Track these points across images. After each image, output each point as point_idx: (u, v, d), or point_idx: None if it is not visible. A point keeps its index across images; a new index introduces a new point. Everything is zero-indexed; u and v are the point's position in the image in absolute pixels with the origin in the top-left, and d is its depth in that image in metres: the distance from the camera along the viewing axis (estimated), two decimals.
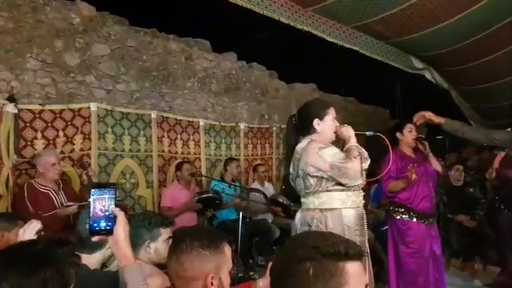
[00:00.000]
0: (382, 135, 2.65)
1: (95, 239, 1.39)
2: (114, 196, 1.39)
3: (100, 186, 1.40)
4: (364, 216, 2.56)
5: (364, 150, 2.50)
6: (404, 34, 5.09)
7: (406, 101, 8.55)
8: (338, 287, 0.99)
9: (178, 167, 4.98)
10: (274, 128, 6.89)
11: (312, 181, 2.48)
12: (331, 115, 2.60)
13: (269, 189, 5.83)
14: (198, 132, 5.82)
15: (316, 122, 2.57)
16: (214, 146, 6.07)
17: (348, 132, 2.56)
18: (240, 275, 4.25)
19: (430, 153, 3.75)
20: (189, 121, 5.73)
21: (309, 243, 1.02)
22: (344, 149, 2.52)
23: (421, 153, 3.77)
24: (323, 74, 7.64)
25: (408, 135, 3.72)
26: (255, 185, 5.73)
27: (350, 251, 1.02)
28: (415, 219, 3.61)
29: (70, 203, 3.46)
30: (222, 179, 5.31)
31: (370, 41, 5.36)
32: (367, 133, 2.71)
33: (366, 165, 2.45)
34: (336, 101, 8.21)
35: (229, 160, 5.57)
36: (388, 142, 2.64)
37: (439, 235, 3.78)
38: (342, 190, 2.47)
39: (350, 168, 2.38)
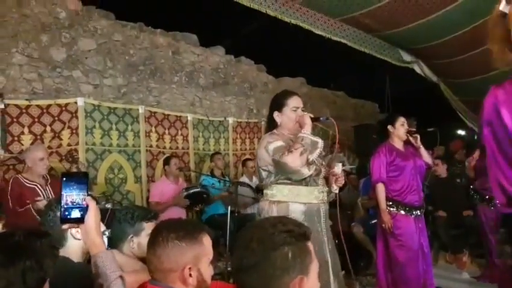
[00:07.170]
0: (332, 120, 2.60)
1: (65, 226, 1.38)
2: (86, 185, 1.38)
3: (72, 174, 1.39)
4: (322, 213, 2.49)
5: (315, 138, 2.42)
6: (393, 27, 5.09)
7: (395, 95, 8.58)
8: (309, 264, 1.14)
9: (166, 162, 4.96)
10: (263, 123, 6.84)
11: (264, 174, 2.50)
12: (290, 105, 2.53)
13: (257, 183, 5.82)
14: (186, 127, 5.79)
15: (275, 114, 2.55)
16: (203, 140, 6.05)
17: (305, 120, 2.46)
18: (229, 269, 4.25)
19: (421, 146, 3.74)
20: (176, 116, 5.70)
21: (281, 229, 1.13)
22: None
23: (411, 146, 3.75)
24: (312, 68, 7.63)
25: (400, 128, 3.67)
26: (244, 179, 5.72)
27: (308, 232, 1.18)
28: (402, 212, 3.60)
29: (39, 198, 3.39)
30: (212, 174, 5.30)
31: (358, 34, 5.36)
32: (321, 118, 2.65)
33: (313, 155, 2.38)
34: (324, 95, 8.21)
35: (213, 155, 5.57)
36: (337, 127, 2.61)
37: (426, 228, 3.79)
38: (291, 184, 2.44)
39: (287, 162, 2.31)
